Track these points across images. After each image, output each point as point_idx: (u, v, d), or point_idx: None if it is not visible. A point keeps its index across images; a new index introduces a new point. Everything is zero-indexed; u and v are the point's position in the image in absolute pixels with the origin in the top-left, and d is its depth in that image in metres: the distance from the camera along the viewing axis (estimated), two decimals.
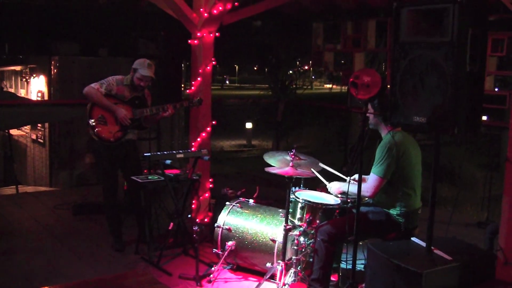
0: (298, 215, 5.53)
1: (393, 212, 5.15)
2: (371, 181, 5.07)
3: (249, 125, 25.43)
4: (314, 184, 5.95)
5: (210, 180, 7.79)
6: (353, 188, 5.02)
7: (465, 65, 3.87)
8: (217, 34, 7.55)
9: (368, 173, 5.27)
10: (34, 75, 15.62)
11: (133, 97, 6.71)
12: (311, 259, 5.57)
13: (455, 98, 3.85)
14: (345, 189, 5.18)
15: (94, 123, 6.51)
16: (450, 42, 3.88)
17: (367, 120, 5.18)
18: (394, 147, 5.01)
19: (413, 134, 5.60)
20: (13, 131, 15.96)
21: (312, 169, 5.72)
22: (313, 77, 43.60)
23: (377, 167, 5.05)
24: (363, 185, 5.09)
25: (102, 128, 6.56)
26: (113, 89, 6.66)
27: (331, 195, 5.68)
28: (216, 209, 7.01)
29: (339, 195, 5.50)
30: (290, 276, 5.43)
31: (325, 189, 5.85)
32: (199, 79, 7.48)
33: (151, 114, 6.73)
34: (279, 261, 5.52)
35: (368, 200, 5.39)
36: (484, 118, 10.71)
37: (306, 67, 24.33)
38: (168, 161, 6.35)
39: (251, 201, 6.37)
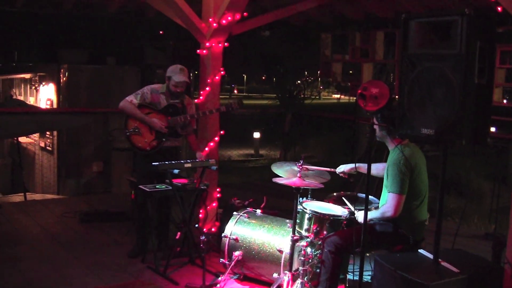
0: (305, 226, 5.52)
1: (401, 224, 5.14)
2: (390, 200, 5.04)
3: (256, 135, 25.47)
4: (321, 195, 5.95)
5: (217, 189, 7.80)
6: (377, 214, 5.08)
7: (473, 77, 3.88)
8: (226, 44, 7.58)
9: (375, 184, 5.27)
10: (43, 83, 15.69)
11: (168, 106, 6.80)
12: (318, 270, 5.56)
13: (463, 110, 3.85)
14: (372, 217, 5.17)
15: (128, 134, 6.72)
16: (458, 54, 3.88)
17: (374, 132, 5.18)
18: (407, 162, 5.00)
19: (420, 145, 5.59)
20: (22, 139, 16.04)
21: (343, 198, 5.74)
22: (321, 87, 43.63)
23: (393, 185, 5.03)
24: (384, 206, 5.10)
25: (137, 138, 6.75)
26: (147, 98, 6.80)
27: (338, 206, 5.68)
28: (223, 219, 7.01)
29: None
30: (296, 286, 5.42)
31: (333, 201, 5.85)
32: (207, 88, 7.50)
33: (185, 121, 6.80)
34: (286, 271, 5.51)
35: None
36: (493, 129, 10.70)
37: (314, 78, 24.34)
38: (176, 171, 6.36)
39: (258, 211, 6.36)
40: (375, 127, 5.19)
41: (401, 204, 5.00)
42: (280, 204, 7.91)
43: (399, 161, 5.03)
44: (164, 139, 6.77)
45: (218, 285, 5.85)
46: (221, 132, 7.70)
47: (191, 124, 7.06)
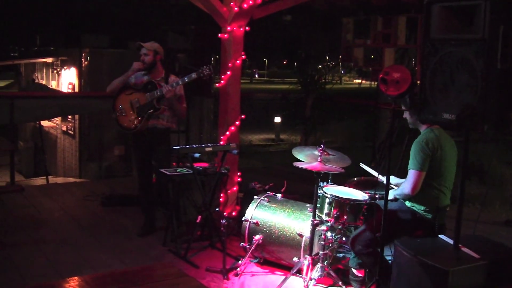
0: (325, 210, 5.52)
1: (421, 207, 5.12)
2: (409, 178, 5.03)
3: (277, 119, 25.46)
4: (342, 180, 5.95)
5: (238, 173, 7.82)
6: (397, 192, 5.21)
7: (496, 63, 3.84)
8: (247, 28, 7.56)
9: (396, 169, 5.27)
10: (65, 67, 15.79)
11: (145, 83, 6.87)
12: (337, 254, 5.59)
13: (485, 95, 3.83)
14: (394, 194, 5.22)
15: (115, 115, 6.94)
16: (481, 39, 3.85)
17: (396, 117, 5.16)
18: (429, 142, 5.00)
19: None
20: (44, 123, 16.17)
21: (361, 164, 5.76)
22: (342, 72, 43.48)
23: (413, 162, 5.02)
24: (403, 184, 5.10)
25: (122, 118, 6.91)
26: (130, 81, 6.99)
27: (359, 190, 5.68)
28: (243, 203, 7.03)
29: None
30: (316, 271, 5.44)
31: (353, 185, 5.84)
32: (228, 73, 7.50)
33: (161, 94, 6.73)
34: (306, 255, 5.52)
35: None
36: None
37: (335, 62, 24.25)
38: (197, 155, 6.39)
39: (279, 195, 6.38)
40: (406, 114, 5.20)
41: (420, 181, 4.99)
42: (301, 189, 7.90)
43: (422, 140, 5.04)
44: (145, 115, 6.77)
45: (238, 269, 5.89)
46: (242, 116, 7.71)
47: (181, 101, 7.05)
